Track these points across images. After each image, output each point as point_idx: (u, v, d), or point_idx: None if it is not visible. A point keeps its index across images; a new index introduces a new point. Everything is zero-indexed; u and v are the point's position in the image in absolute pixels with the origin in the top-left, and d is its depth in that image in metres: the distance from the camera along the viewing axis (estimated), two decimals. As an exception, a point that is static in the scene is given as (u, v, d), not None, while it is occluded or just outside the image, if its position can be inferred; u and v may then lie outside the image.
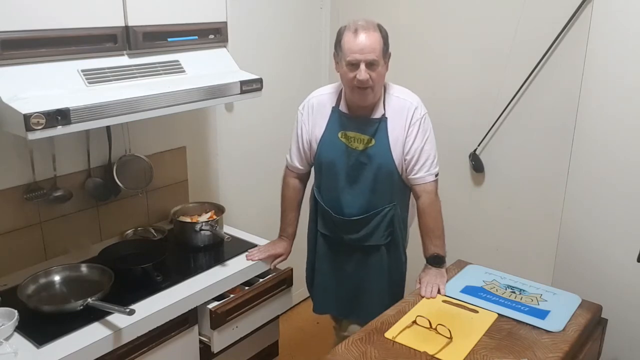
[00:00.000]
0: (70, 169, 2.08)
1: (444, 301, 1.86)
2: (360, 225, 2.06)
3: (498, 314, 1.78)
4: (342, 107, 2.02)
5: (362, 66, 1.84)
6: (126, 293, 1.83)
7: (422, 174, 1.99)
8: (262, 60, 2.66)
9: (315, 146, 2.07)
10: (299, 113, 2.10)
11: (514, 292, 1.91)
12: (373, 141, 1.97)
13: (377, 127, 1.97)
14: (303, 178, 2.21)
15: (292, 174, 2.20)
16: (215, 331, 1.93)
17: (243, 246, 2.22)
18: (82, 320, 1.68)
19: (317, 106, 2.06)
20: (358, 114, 1.99)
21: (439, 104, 2.68)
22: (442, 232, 2.03)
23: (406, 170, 2.01)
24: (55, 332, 1.63)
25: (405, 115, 1.96)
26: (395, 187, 2.03)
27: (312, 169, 2.20)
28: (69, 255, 2.10)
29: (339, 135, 2.02)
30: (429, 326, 1.69)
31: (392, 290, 2.13)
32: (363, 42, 1.83)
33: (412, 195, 2.11)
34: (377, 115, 1.97)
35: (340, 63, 1.91)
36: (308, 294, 3.31)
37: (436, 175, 2.01)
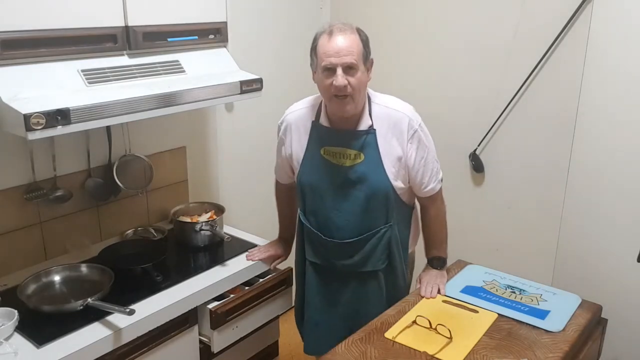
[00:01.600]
0: (70, 169, 2.08)
1: (444, 301, 1.86)
2: (354, 249, 1.87)
3: (498, 314, 1.78)
4: (323, 121, 1.85)
5: (339, 70, 1.67)
6: (126, 293, 1.83)
7: (432, 185, 1.88)
8: (262, 60, 2.66)
9: (296, 166, 1.92)
10: (278, 127, 1.98)
11: (514, 292, 1.91)
12: (362, 156, 1.80)
13: (364, 140, 1.80)
14: (293, 185, 2.07)
15: (281, 184, 2.14)
16: (215, 331, 1.93)
17: (243, 246, 2.22)
18: (82, 320, 1.68)
19: (295, 123, 1.91)
20: (341, 127, 1.82)
21: (439, 104, 2.69)
22: (446, 236, 2.01)
23: (413, 185, 1.88)
24: (55, 332, 1.62)
25: (399, 129, 1.79)
26: (390, 205, 1.85)
27: None
28: (69, 255, 2.10)
29: (321, 152, 1.85)
30: (429, 326, 1.69)
31: None
32: (339, 44, 1.67)
33: (414, 213, 2.02)
34: (363, 127, 1.80)
35: (317, 71, 1.75)
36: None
37: (441, 180, 1.94)
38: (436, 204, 1.94)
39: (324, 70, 1.71)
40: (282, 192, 2.16)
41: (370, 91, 1.86)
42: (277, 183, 2.17)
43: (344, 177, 1.84)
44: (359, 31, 1.74)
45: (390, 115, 1.81)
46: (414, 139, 1.80)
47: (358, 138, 1.81)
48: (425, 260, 2.05)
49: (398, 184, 1.84)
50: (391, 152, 1.81)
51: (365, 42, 1.74)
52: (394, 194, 1.85)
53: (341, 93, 1.70)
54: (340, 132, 1.83)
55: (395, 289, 1.96)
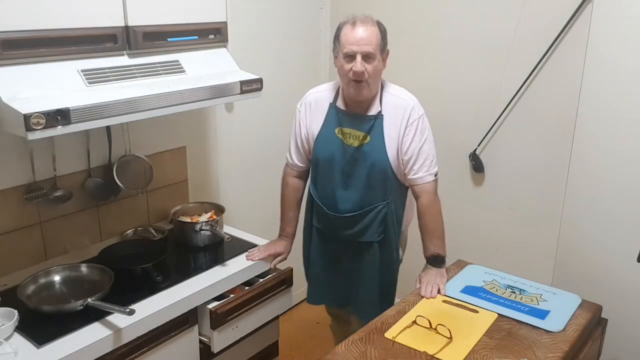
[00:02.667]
0: (70, 169, 2.08)
1: (444, 301, 1.86)
2: (354, 221, 2.07)
3: (498, 314, 1.78)
4: (340, 104, 2.03)
5: (358, 57, 1.86)
6: (126, 293, 1.83)
7: (421, 174, 1.99)
8: (262, 60, 2.66)
9: (312, 142, 2.09)
10: (297, 111, 2.13)
11: (514, 292, 1.91)
12: (368, 138, 1.99)
13: (372, 124, 1.98)
14: (303, 176, 2.22)
15: (292, 173, 2.21)
16: (215, 331, 1.93)
17: (243, 246, 2.22)
18: (82, 320, 1.68)
19: (314, 103, 2.08)
20: (354, 111, 2.00)
21: (439, 103, 2.69)
22: (442, 232, 2.03)
23: (405, 170, 2.01)
24: (55, 332, 1.63)
25: (402, 114, 1.97)
26: (389, 184, 2.03)
27: None
28: (69, 255, 2.10)
29: (336, 131, 2.04)
30: (429, 326, 1.69)
31: (384, 289, 2.14)
32: (360, 34, 1.86)
33: (410, 195, 2.12)
34: (373, 112, 1.99)
35: (338, 56, 1.94)
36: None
37: (435, 175, 2.01)
38: (428, 195, 2.01)
39: (345, 57, 1.90)
40: (289, 180, 2.22)
41: (385, 81, 2.04)
42: (286, 174, 2.23)
43: (351, 155, 2.02)
44: (379, 24, 1.93)
45: (397, 104, 1.99)
46: (412, 126, 1.97)
47: (367, 122, 1.99)
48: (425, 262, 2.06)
49: (396, 166, 2.02)
50: (393, 136, 1.98)
51: (383, 34, 1.93)
52: (392, 174, 2.02)
53: (359, 78, 1.89)
54: (353, 115, 2.02)
55: (389, 259, 2.13)
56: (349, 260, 2.17)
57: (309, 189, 2.19)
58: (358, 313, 2.10)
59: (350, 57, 1.88)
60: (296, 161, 2.18)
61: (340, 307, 2.31)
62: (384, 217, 2.06)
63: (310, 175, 2.20)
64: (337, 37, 1.94)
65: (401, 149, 1.98)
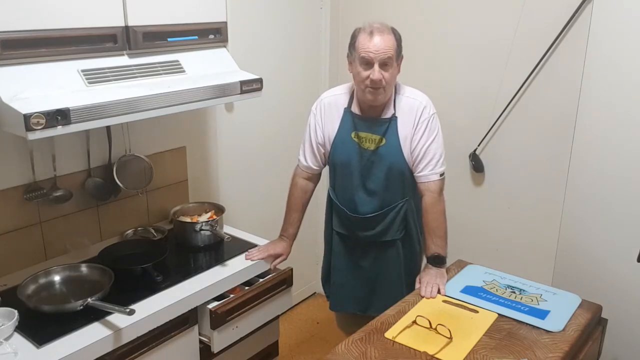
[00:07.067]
0: (70, 169, 2.08)
1: (444, 301, 1.86)
2: (375, 222, 2.10)
3: (498, 314, 1.78)
4: (354, 108, 2.06)
5: (376, 66, 1.88)
6: (126, 293, 1.83)
7: (426, 173, 2.01)
8: (262, 60, 2.66)
9: (328, 146, 2.11)
10: (312, 114, 2.14)
11: (514, 292, 1.91)
12: (384, 140, 2.02)
13: (387, 127, 2.01)
14: (314, 179, 2.23)
15: (302, 174, 2.21)
16: (215, 331, 1.93)
17: (243, 246, 2.22)
18: (82, 320, 1.68)
19: (329, 106, 2.10)
20: (369, 115, 2.03)
21: (439, 103, 2.66)
22: (445, 232, 2.04)
23: (412, 168, 2.04)
24: (55, 332, 1.63)
25: (414, 114, 2.00)
26: (407, 183, 2.07)
27: (325, 170, 2.22)
28: (69, 255, 2.10)
29: (352, 135, 2.06)
30: (429, 326, 1.69)
31: (408, 281, 2.16)
32: (378, 43, 1.88)
33: None
34: (387, 115, 2.01)
35: (354, 63, 1.95)
36: (307, 295, 3.30)
37: (441, 175, 2.03)
38: (432, 194, 2.03)
39: (362, 64, 1.92)
40: (299, 181, 2.22)
41: (399, 84, 2.06)
42: (297, 174, 2.23)
43: (368, 159, 2.05)
44: (394, 31, 1.95)
45: (410, 104, 2.03)
46: (422, 124, 2.00)
47: (382, 125, 2.03)
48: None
49: (411, 162, 2.05)
50: (407, 136, 2.02)
51: (398, 41, 1.96)
52: (409, 174, 2.06)
53: (376, 86, 1.92)
54: (368, 119, 2.04)
55: (412, 253, 2.18)
56: (372, 261, 2.18)
57: (329, 193, 2.21)
58: (383, 311, 2.05)
59: (368, 64, 1.89)
60: (310, 164, 2.18)
61: (362, 312, 2.27)
62: (404, 215, 2.10)
63: (329, 179, 2.21)
64: (352, 45, 1.95)
65: (410, 147, 2.01)
